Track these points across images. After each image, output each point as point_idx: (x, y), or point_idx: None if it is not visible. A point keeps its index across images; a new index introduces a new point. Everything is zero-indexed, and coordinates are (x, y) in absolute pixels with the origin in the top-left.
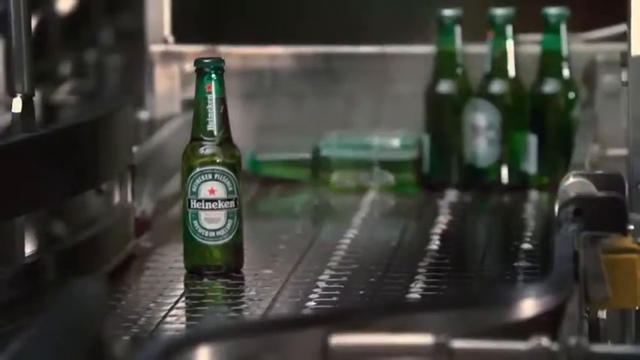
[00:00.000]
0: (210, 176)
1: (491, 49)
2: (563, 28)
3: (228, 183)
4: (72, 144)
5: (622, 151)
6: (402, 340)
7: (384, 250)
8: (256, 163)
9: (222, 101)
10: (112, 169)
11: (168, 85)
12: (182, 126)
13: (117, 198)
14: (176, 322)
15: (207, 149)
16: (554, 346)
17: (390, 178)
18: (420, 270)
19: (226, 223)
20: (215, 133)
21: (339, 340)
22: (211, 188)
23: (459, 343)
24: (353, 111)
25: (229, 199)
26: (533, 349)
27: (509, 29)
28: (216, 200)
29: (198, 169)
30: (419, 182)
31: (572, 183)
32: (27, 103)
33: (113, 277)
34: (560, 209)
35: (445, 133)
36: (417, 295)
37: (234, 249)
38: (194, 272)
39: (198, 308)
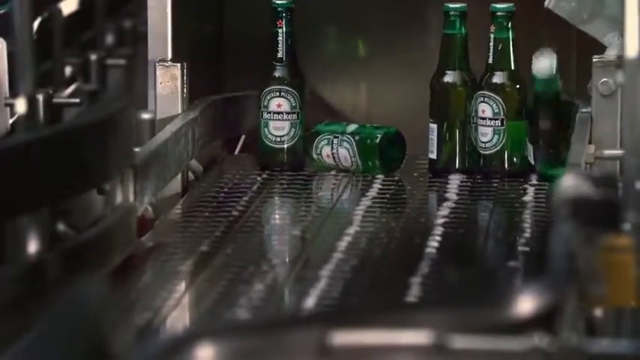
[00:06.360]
0: (277, 93)
1: (493, 42)
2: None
3: (291, 99)
4: (75, 144)
5: (617, 152)
6: (400, 338)
7: (388, 238)
8: None
9: (290, 34)
10: (114, 169)
11: (170, 85)
12: (184, 126)
13: (119, 198)
14: (178, 320)
15: (276, 72)
16: (551, 344)
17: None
18: (421, 262)
19: (290, 131)
20: (284, 59)
21: (339, 337)
22: (278, 103)
23: (456, 342)
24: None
25: (292, 112)
26: (529, 347)
27: (510, 23)
28: (282, 113)
29: (268, 88)
30: (383, 166)
31: (569, 183)
32: (31, 103)
33: (115, 276)
34: (556, 209)
35: (450, 121)
36: (416, 290)
37: (296, 151)
38: (265, 169)
39: (199, 307)
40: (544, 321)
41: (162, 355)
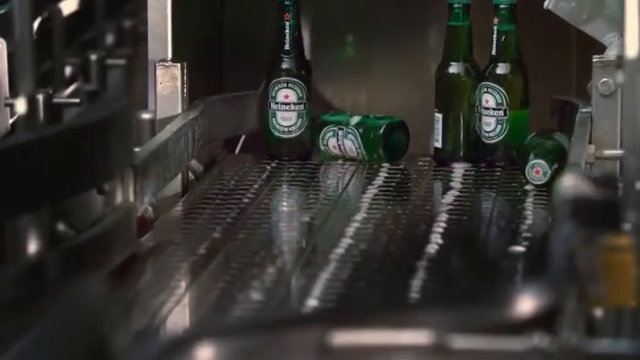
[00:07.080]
0: (284, 84)
1: (496, 34)
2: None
3: (298, 90)
4: (75, 144)
5: (617, 152)
6: (400, 338)
7: (394, 224)
8: None
9: (296, 27)
10: (115, 169)
11: (170, 85)
12: (184, 126)
13: (119, 198)
14: (178, 320)
15: (283, 64)
16: (551, 344)
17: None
18: (426, 247)
19: (297, 121)
20: (291, 51)
21: (339, 337)
22: (285, 94)
23: (456, 342)
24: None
25: (299, 103)
26: (529, 347)
27: (513, 15)
28: (289, 104)
29: (276, 79)
30: (387, 156)
31: (569, 183)
32: (31, 103)
33: (115, 276)
34: (556, 209)
35: (454, 111)
36: (422, 274)
37: (303, 141)
38: (273, 158)
39: (198, 307)
40: (544, 321)
41: (162, 355)
